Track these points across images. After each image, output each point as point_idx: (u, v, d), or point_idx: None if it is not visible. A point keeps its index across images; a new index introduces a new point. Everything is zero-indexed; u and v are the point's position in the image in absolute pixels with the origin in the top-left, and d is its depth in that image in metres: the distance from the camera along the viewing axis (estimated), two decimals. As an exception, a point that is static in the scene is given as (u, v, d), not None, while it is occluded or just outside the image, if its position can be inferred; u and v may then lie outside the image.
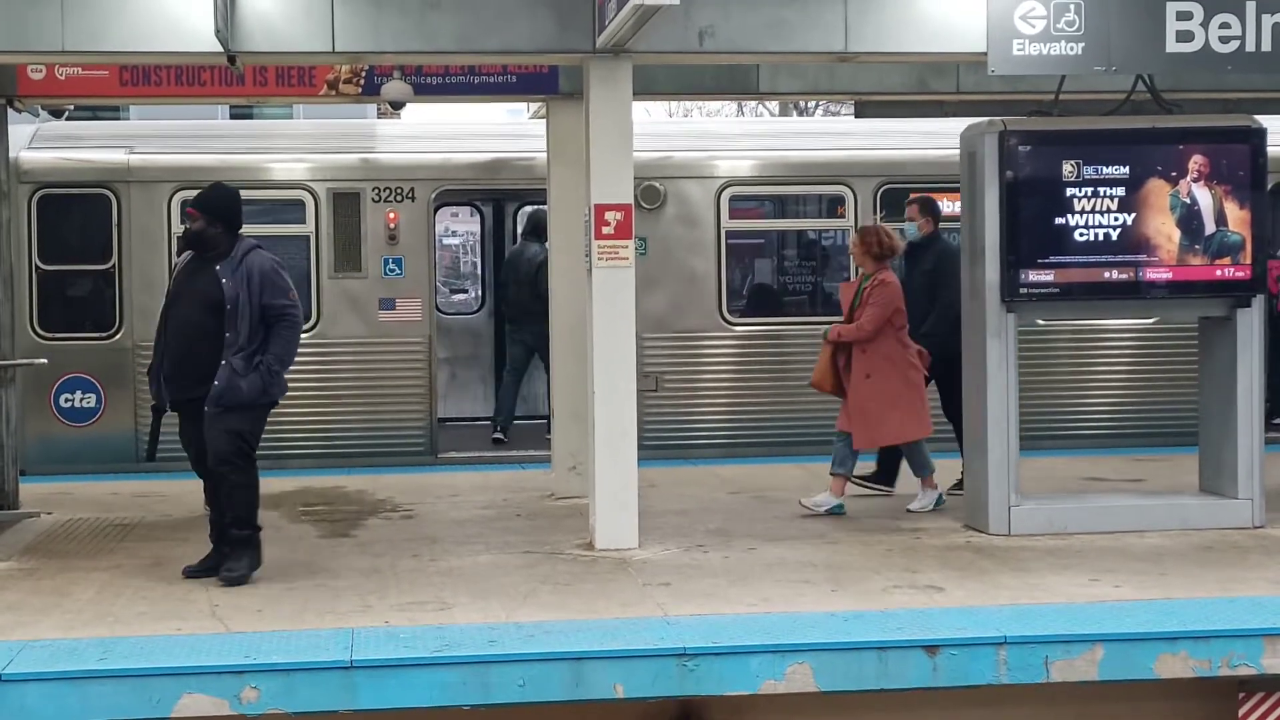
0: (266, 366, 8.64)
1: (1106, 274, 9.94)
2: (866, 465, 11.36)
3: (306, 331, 13.48)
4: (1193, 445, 10.79)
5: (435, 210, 14.15)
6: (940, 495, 10.86)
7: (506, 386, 15.11)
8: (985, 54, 9.40)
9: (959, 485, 10.86)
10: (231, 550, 8.76)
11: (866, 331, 10.56)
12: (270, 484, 12.20)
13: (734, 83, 12.36)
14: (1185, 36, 9.40)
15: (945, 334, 10.84)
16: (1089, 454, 13.53)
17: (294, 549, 9.78)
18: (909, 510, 10.75)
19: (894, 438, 10.82)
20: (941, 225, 11.54)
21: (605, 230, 9.62)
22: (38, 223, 13.32)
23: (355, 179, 13.77)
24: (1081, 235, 9.88)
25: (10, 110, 12.36)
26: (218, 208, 8.86)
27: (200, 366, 8.61)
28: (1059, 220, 9.87)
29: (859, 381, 10.62)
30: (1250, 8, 9.39)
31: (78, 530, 10.59)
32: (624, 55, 9.54)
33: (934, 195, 11.71)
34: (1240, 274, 10.01)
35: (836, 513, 10.60)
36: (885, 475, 11.44)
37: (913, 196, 11.67)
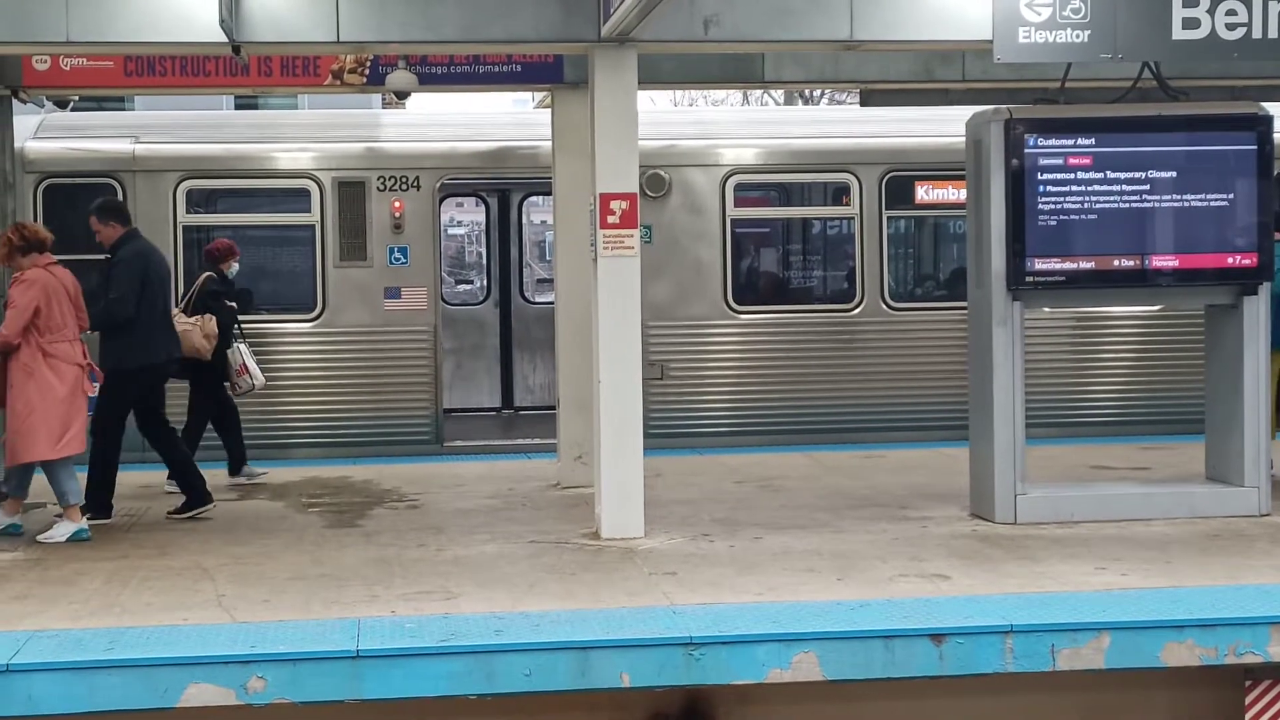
0: None
1: (1113, 262, 9.93)
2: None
3: (312, 320, 13.57)
4: (1199, 433, 10.77)
5: (440, 200, 14.14)
6: (83, 529, 9.73)
7: None
8: (991, 42, 9.38)
9: (187, 507, 10.51)
10: None
11: (5, 336, 9.67)
12: (277, 474, 12.33)
13: (739, 72, 12.37)
14: (1191, 23, 9.38)
15: (113, 345, 10.26)
16: (1095, 442, 13.52)
17: (300, 539, 9.79)
18: (38, 539, 9.66)
19: (26, 456, 9.72)
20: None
21: (610, 219, 9.61)
22: (43, 213, 13.30)
23: (360, 168, 13.76)
24: (1087, 223, 9.87)
25: (15, 101, 12.40)
26: None
27: None
28: (1065, 208, 9.86)
29: (6, 392, 9.78)
30: (1257, -5, 9.38)
31: (84, 520, 10.59)
32: (629, 44, 9.53)
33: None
34: (1247, 261, 10.00)
35: (13, 532, 9.85)
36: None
37: (91, 207, 10.74)
